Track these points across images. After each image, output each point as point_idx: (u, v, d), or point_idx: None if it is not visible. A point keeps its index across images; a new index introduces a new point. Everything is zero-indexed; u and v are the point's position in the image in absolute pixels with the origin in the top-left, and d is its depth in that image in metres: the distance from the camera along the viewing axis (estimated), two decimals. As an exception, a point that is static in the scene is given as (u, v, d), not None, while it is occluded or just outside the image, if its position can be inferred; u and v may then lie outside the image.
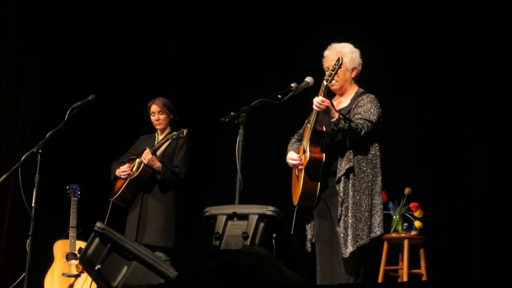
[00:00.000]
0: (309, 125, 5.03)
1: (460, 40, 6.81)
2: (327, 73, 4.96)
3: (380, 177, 5.00)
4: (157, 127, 6.29)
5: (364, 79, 5.19)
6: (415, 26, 6.92)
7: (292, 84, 5.08)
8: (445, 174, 6.75)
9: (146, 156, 6.00)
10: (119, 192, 6.13)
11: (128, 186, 6.11)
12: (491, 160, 6.55)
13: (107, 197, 6.25)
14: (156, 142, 6.26)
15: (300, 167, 5.05)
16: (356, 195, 4.90)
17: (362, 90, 5.13)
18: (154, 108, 6.27)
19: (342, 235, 4.86)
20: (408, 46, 6.93)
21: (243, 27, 7.59)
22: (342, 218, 4.87)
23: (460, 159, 6.72)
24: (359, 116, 4.92)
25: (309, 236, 5.13)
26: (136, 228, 6.02)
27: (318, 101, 4.81)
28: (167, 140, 6.09)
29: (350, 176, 4.91)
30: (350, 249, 4.83)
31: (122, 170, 6.18)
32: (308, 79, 5.12)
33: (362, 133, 4.86)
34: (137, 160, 6.14)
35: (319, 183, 4.96)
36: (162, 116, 6.26)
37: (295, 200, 5.07)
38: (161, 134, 6.30)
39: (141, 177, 6.07)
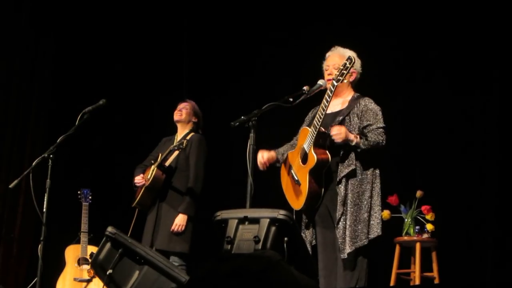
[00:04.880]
0: (306, 127, 5.03)
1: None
2: (335, 72, 4.92)
3: (379, 179, 5.00)
4: (175, 117, 6.27)
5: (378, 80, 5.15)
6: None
7: (304, 87, 5.03)
8: (457, 177, 6.71)
9: (178, 227, 5.98)
10: (138, 198, 6.16)
11: (144, 193, 6.13)
12: (506, 162, 6.51)
13: (118, 202, 6.27)
14: (175, 142, 6.25)
15: (261, 161, 5.12)
16: (356, 196, 4.90)
17: (358, 94, 5.11)
18: (182, 104, 6.29)
19: (340, 236, 4.87)
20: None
21: (255, 29, 7.57)
22: (342, 219, 4.88)
23: (472, 161, 6.68)
24: (372, 128, 4.92)
25: (308, 239, 5.08)
26: (151, 234, 6.03)
27: (335, 133, 4.84)
28: (171, 151, 6.07)
29: (351, 178, 4.92)
30: (348, 250, 4.83)
31: (137, 181, 6.19)
32: (321, 81, 5.07)
33: (383, 143, 4.91)
34: (152, 167, 6.14)
35: (323, 184, 4.96)
36: (184, 111, 6.27)
37: (299, 205, 5.01)
38: (180, 133, 6.27)
39: (154, 184, 6.07)
